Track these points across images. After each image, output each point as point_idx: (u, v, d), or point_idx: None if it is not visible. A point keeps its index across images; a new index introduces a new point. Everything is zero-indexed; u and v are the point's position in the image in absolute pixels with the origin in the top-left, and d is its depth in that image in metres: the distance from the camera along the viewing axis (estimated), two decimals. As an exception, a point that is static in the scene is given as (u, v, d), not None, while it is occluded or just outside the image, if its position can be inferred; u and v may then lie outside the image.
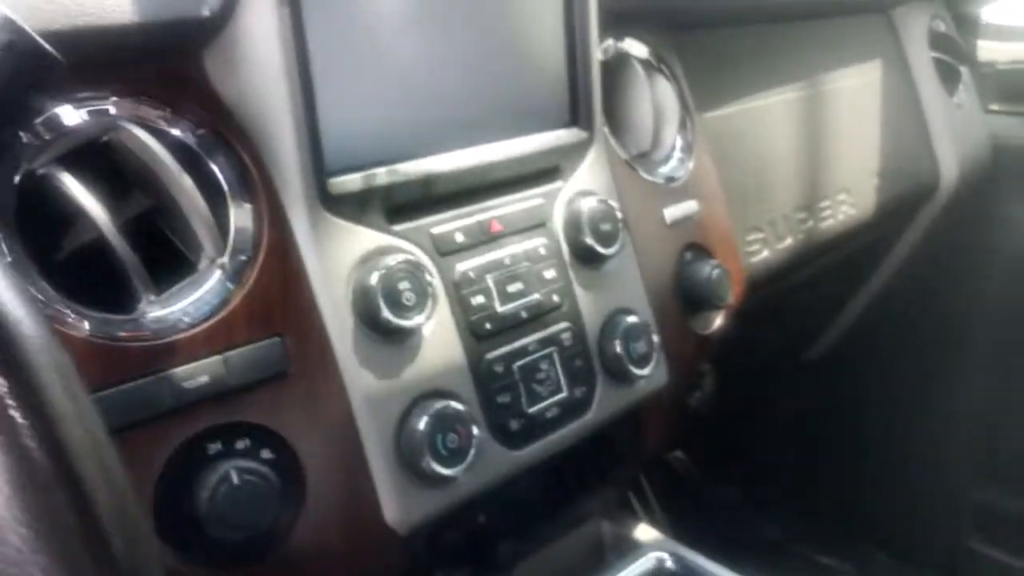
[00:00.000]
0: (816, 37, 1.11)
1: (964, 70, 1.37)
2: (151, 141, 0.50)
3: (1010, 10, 1.80)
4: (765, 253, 0.95)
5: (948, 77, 1.33)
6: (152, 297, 0.50)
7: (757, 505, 1.69)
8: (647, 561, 0.85)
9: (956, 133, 1.29)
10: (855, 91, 1.15)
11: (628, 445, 0.77)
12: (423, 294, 0.56)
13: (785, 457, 1.70)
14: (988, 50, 1.75)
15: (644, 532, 0.88)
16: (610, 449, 0.75)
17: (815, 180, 1.04)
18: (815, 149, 1.06)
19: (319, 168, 0.54)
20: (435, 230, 0.60)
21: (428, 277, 0.57)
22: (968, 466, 1.51)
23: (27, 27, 0.39)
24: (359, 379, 0.55)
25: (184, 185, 0.51)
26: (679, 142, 0.84)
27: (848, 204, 1.09)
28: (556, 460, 0.68)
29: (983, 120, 1.39)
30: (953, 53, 1.35)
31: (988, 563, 1.49)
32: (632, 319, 0.70)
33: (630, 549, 0.85)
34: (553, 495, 0.72)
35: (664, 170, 0.82)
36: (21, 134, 0.47)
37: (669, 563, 0.85)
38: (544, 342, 0.65)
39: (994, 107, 1.45)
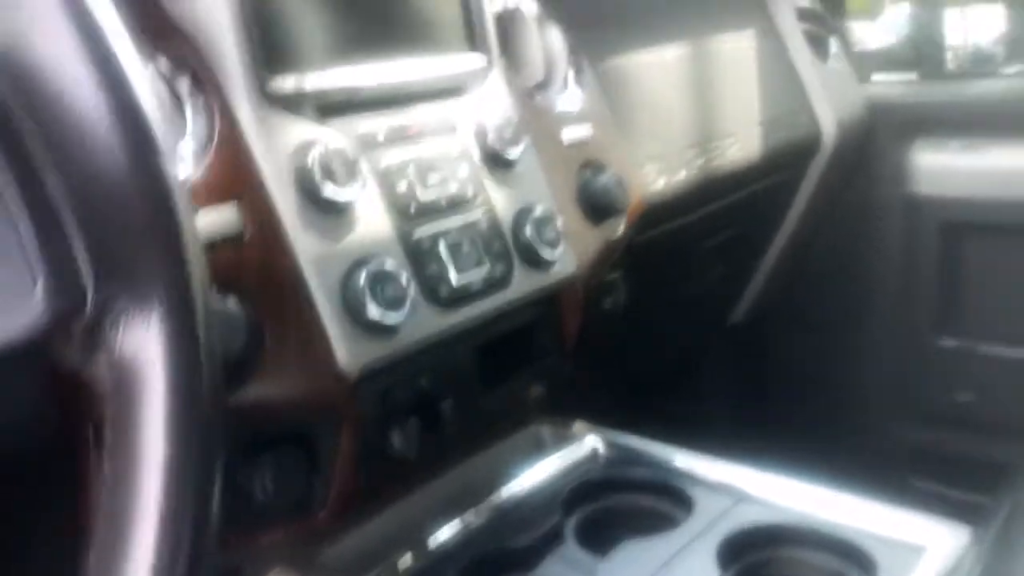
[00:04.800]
0: (694, 7, 1.27)
1: (833, 40, 1.55)
2: None
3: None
4: (662, 181, 1.08)
5: (819, 46, 1.50)
6: None
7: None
8: (583, 447, 0.95)
9: (832, 93, 1.46)
10: (733, 53, 1.31)
11: (549, 332, 0.88)
12: (353, 174, 0.68)
13: (723, 423, 1.80)
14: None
15: (580, 427, 0.99)
16: (534, 333, 0.86)
17: (702, 123, 1.18)
18: (699, 99, 1.20)
19: (260, 71, 0.66)
20: (360, 128, 0.72)
21: (357, 161, 0.68)
22: (889, 408, 1.64)
23: None
24: (305, 243, 0.66)
25: (149, 75, 0.62)
26: (571, 77, 0.97)
27: (737, 147, 1.23)
28: (485, 332, 0.78)
29: (857, 84, 1.57)
30: (821, 25, 1.53)
31: (926, 495, 1.60)
32: (539, 211, 0.81)
33: (568, 441, 0.96)
34: (488, 372, 0.82)
35: (559, 101, 0.95)
36: None
37: (602, 447, 0.95)
38: (465, 226, 0.76)
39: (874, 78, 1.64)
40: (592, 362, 1.07)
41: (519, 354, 0.85)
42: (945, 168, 1.50)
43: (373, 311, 0.66)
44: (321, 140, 0.68)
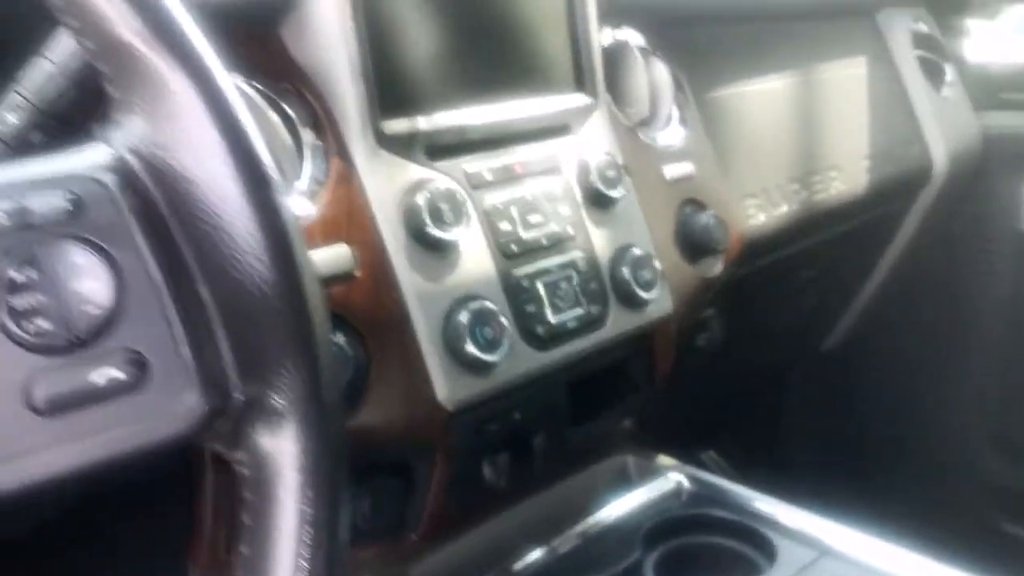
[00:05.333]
0: (804, 36, 1.25)
1: (949, 67, 1.49)
2: (247, 88, 0.65)
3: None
4: (762, 217, 1.07)
5: (934, 74, 1.45)
6: None
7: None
8: (667, 482, 0.95)
9: (945, 123, 1.41)
10: (843, 82, 1.28)
11: (642, 369, 0.88)
12: (460, 214, 0.70)
13: (810, 450, 1.77)
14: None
15: (666, 461, 0.99)
16: (626, 371, 0.87)
17: (806, 156, 1.16)
18: (805, 130, 1.19)
19: (374, 114, 0.69)
20: (468, 168, 0.74)
21: (463, 202, 0.71)
22: (986, 447, 1.58)
23: None
24: (410, 281, 0.68)
25: (272, 120, 0.65)
26: (675, 114, 0.97)
27: (839, 181, 1.21)
28: (578, 370, 0.80)
29: (972, 113, 1.51)
30: (936, 52, 1.48)
31: (1016, 543, 1.54)
32: (637, 251, 0.82)
33: (652, 475, 0.96)
34: (579, 408, 0.84)
35: (662, 137, 0.95)
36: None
37: (687, 483, 0.96)
38: (563, 266, 0.78)
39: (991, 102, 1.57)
40: (680, 393, 1.07)
41: (610, 390, 0.87)
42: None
43: (472, 350, 0.68)
44: (430, 181, 0.70)
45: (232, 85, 0.37)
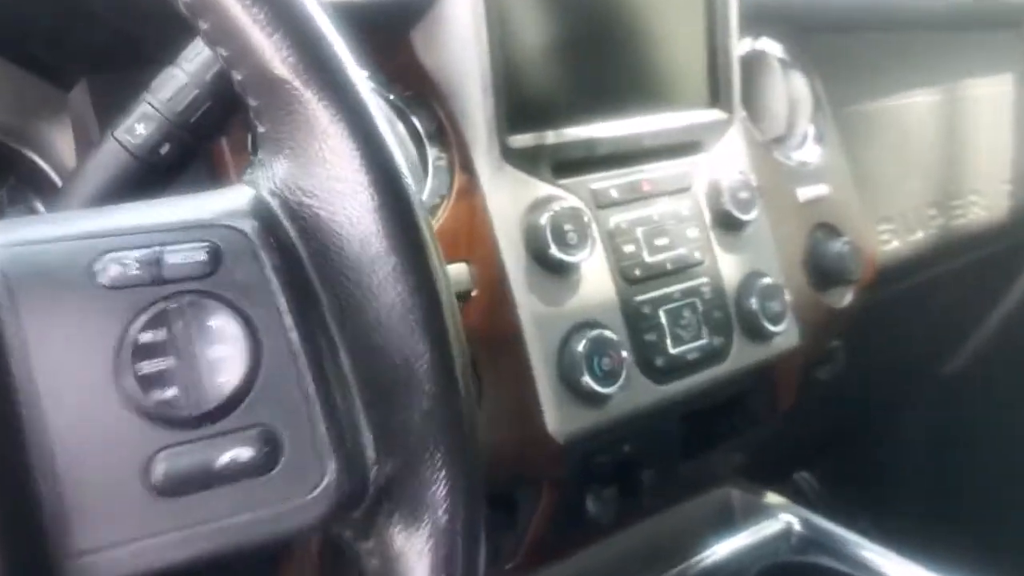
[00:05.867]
0: (949, 48, 1.15)
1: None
2: (379, 99, 0.62)
3: None
4: (896, 243, 0.99)
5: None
6: None
7: (885, 533, 1.67)
8: (775, 523, 0.90)
9: None
10: (988, 100, 1.18)
11: (761, 403, 0.83)
12: (584, 236, 0.66)
13: (918, 482, 1.67)
14: None
15: (773, 499, 0.94)
16: (745, 404, 0.82)
17: (946, 179, 1.08)
18: (946, 150, 1.10)
19: (501, 127, 0.65)
20: (594, 185, 0.70)
21: (587, 222, 0.67)
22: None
23: None
24: (528, 304, 0.65)
25: (398, 132, 0.62)
26: (812, 131, 0.91)
27: (979, 206, 1.12)
28: (695, 404, 0.75)
29: None
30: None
31: None
32: (767, 280, 0.77)
33: (759, 513, 0.91)
34: (692, 442, 0.79)
35: (798, 154, 0.89)
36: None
37: (797, 526, 0.90)
38: (687, 292, 0.73)
39: None
40: (794, 423, 1.01)
41: (726, 423, 0.81)
42: None
43: (588, 382, 0.64)
44: (555, 199, 0.67)
45: (392, 135, 0.33)
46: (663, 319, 0.71)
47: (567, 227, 0.65)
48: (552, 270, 0.66)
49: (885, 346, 1.25)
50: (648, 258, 0.71)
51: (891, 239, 0.99)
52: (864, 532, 1.69)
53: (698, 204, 0.76)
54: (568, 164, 0.69)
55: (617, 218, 0.71)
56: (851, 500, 1.72)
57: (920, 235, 1.03)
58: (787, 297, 0.78)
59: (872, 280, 0.93)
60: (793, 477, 1.70)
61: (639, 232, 0.71)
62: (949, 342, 1.47)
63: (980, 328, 1.45)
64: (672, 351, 0.71)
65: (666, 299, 0.72)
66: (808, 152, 0.90)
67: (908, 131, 1.04)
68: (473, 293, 0.63)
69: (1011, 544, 1.53)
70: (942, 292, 1.23)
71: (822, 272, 0.86)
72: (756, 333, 0.76)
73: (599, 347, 0.65)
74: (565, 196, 0.68)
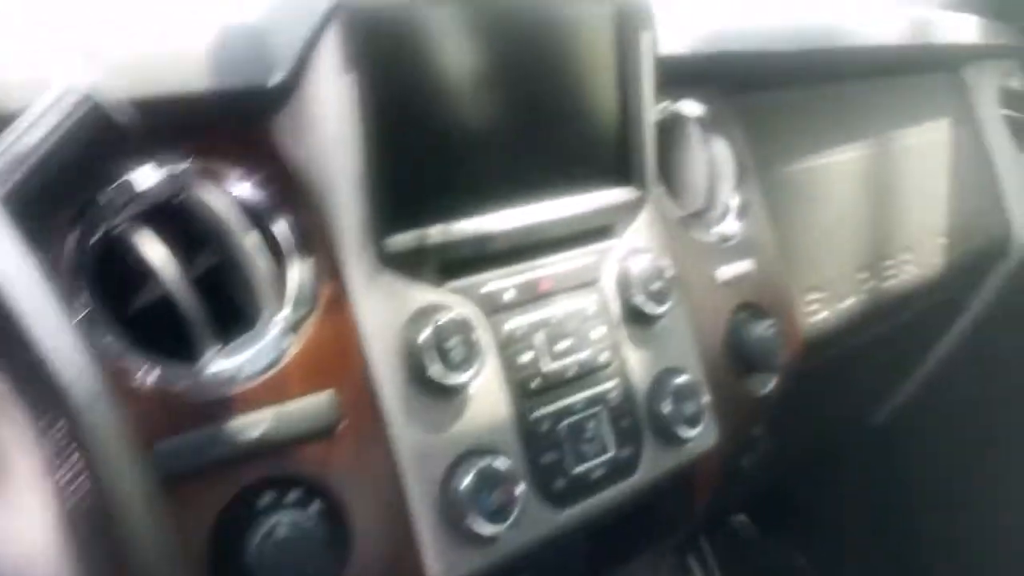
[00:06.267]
0: (883, 95, 1.10)
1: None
2: (220, 201, 0.53)
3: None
4: (825, 313, 0.93)
5: (1021, 134, 1.30)
6: (216, 350, 0.52)
7: (821, 571, 1.64)
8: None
9: None
10: (922, 149, 1.13)
11: (678, 508, 0.76)
12: (471, 351, 0.58)
13: (850, 522, 1.65)
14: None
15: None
16: (659, 512, 0.75)
17: (878, 239, 1.02)
18: (879, 207, 1.04)
19: (376, 227, 0.57)
20: (485, 288, 0.62)
21: (477, 335, 0.59)
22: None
23: (100, 99, 0.42)
24: (406, 435, 0.57)
25: (247, 243, 0.53)
26: (735, 201, 0.84)
27: (913, 264, 1.07)
28: (602, 521, 0.67)
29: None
30: (1026, 109, 1.32)
31: None
32: (682, 379, 0.70)
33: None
34: (600, 559, 0.72)
35: (719, 229, 0.82)
36: (99, 196, 0.50)
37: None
38: (592, 401, 0.66)
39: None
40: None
41: (639, 535, 0.74)
42: None
43: (475, 522, 0.56)
44: (440, 309, 0.58)
45: None
46: (563, 435, 0.63)
47: (451, 342, 0.57)
48: (434, 394, 0.58)
49: (815, 406, 1.20)
50: (548, 366, 0.64)
51: (820, 309, 0.93)
52: (801, 572, 1.66)
53: (606, 298, 0.68)
54: (457, 264, 0.61)
55: (513, 323, 0.63)
56: (785, 541, 1.69)
57: (851, 301, 0.98)
58: (705, 397, 0.71)
59: (798, 357, 0.87)
60: (729, 521, 1.66)
61: (538, 337, 0.64)
62: (877, 394, 1.43)
63: (907, 381, 1.42)
64: (574, 471, 0.64)
65: (567, 411, 0.64)
66: (730, 225, 0.83)
67: (838, 190, 0.99)
68: (341, 425, 0.55)
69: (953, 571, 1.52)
70: (874, 353, 1.18)
71: (744, 358, 0.79)
72: (669, 439, 0.69)
73: (489, 481, 0.57)
74: (451, 304, 0.60)
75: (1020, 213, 1.25)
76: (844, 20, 1.05)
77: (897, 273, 1.04)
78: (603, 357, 0.67)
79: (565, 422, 0.64)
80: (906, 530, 1.58)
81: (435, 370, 0.56)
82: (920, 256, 1.08)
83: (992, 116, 1.25)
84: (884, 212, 1.05)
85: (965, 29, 1.26)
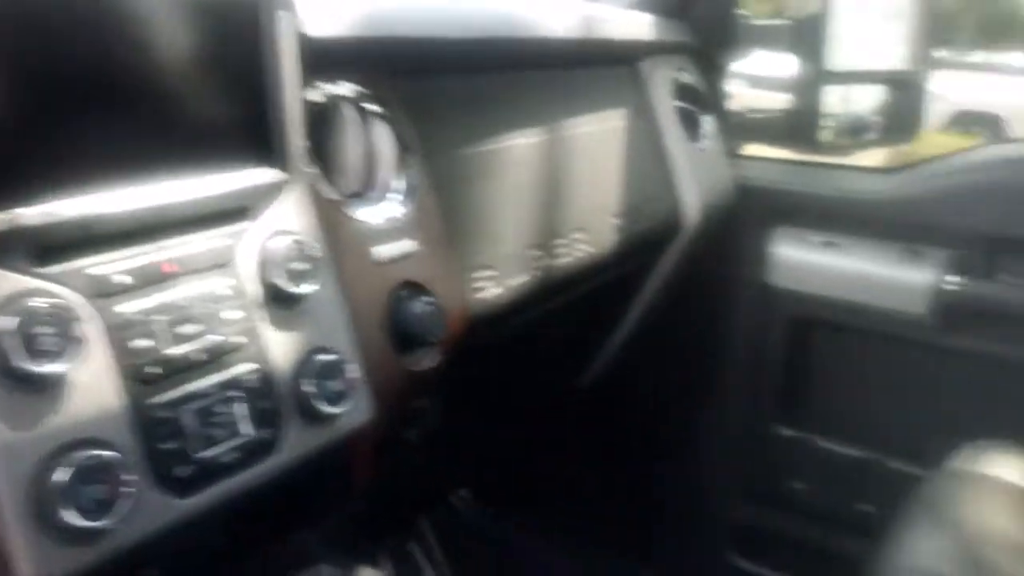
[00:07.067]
0: (563, 84, 1.17)
1: (708, 118, 1.49)
2: None
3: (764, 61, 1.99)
4: (497, 290, 0.98)
5: (692, 124, 1.44)
6: None
7: (546, 538, 1.74)
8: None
9: (699, 176, 1.40)
10: (599, 136, 1.22)
11: (334, 484, 0.77)
12: (69, 340, 0.55)
13: (570, 483, 1.76)
14: (744, 97, 1.92)
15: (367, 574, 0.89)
16: (312, 490, 0.75)
17: (549, 220, 1.09)
18: (552, 190, 1.11)
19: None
20: (93, 271, 0.59)
21: (78, 321, 0.55)
22: (727, 485, 1.63)
23: None
24: None
25: None
26: (396, 183, 0.86)
27: (585, 243, 1.15)
28: (240, 505, 0.67)
29: (726, 164, 1.51)
30: (697, 102, 1.46)
31: None
32: (327, 357, 0.70)
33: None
34: (246, 541, 0.71)
35: (376, 210, 0.83)
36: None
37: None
38: (225, 385, 0.64)
39: (742, 151, 1.59)
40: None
41: (291, 514, 0.75)
42: (801, 262, 1.47)
43: (69, 517, 0.54)
44: (30, 295, 0.54)
45: None
46: (186, 420, 0.62)
47: (42, 331, 0.54)
48: (23, 385, 0.54)
49: (505, 372, 1.27)
50: (169, 351, 0.62)
51: (491, 286, 0.97)
52: (525, 540, 1.75)
53: (242, 281, 0.67)
54: (56, 248, 0.57)
55: (125, 307, 0.60)
56: (512, 511, 1.77)
57: (523, 278, 1.03)
58: (353, 373, 0.72)
59: (463, 334, 0.90)
60: (449, 498, 1.71)
61: (157, 321, 0.61)
62: (577, 361, 1.53)
63: (604, 347, 1.53)
64: (198, 455, 0.62)
65: (194, 396, 0.63)
66: (391, 207, 0.85)
67: (513, 174, 1.04)
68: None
69: (635, 532, 1.67)
70: (557, 323, 1.26)
71: (403, 335, 0.81)
72: (314, 417, 0.70)
73: (89, 473, 0.54)
74: (47, 288, 0.56)
75: (689, 197, 1.38)
76: (520, 11, 1.10)
77: (570, 251, 1.12)
78: (236, 339, 0.66)
79: (190, 406, 0.62)
80: (622, 483, 1.71)
81: (20, 361, 0.53)
82: (592, 236, 1.16)
83: (665, 107, 1.37)
84: (558, 194, 1.12)
85: (641, 26, 1.37)
